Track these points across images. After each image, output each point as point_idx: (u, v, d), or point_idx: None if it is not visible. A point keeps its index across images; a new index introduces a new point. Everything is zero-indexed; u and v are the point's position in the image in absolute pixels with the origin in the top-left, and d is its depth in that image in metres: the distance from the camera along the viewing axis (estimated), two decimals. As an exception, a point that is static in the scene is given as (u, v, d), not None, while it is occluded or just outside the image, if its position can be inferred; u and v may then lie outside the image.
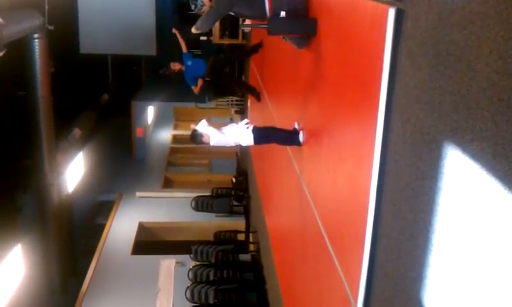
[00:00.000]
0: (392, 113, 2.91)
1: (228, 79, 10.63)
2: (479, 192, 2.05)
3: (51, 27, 9.43)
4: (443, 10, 2.34)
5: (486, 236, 2.00)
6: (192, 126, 5.26)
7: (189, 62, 8.69)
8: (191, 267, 9.40)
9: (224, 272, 9.23)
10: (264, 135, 5.47)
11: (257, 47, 9.45)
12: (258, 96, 9.46)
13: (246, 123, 5.40)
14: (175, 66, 8.75)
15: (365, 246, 3.21)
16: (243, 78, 14.05)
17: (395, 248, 2.85)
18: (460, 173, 2.19)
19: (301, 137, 5.39)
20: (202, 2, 5.97)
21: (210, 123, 5.32)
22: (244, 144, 5.47)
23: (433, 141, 2.41)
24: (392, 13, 2.83)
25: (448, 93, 2.28)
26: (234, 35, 14.15)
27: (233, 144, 5.42)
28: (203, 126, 5.24)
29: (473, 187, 2.09)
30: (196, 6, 5.98)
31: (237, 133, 5.32)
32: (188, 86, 8.97)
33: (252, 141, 5.34)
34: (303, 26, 4.85)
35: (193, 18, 6.66)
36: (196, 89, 8.91)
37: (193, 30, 5.35)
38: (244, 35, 13.53)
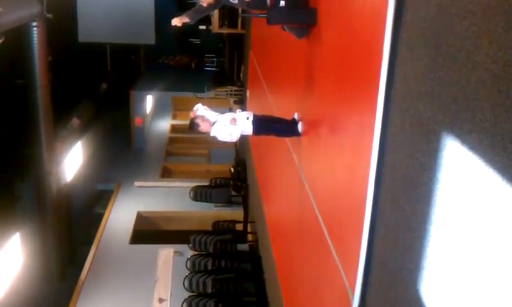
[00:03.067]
0: (391, 104, 2.91)
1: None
2: (477, 183, 2.05)
3: (49, 16, 9.40)
4: (443, 1, 2.33)
5: (484, 228, 2.00)
6: (191, 114, 5.24)
7: None
8: (189, 256, 9.43)
9: (223, 262, 9.25)
10: (263, 127, 5.44)
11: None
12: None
13: (246, 115, 5.37)
14: None
15: (363, 237, 3.22)
16: (242, 68, 14.01)
17: (393, 239, 2.86)
18: (458, 164, 2.19)
19: (300, 127, 5.38)
20: None
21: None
22: (243, 132, 5.45)
23: (432, 132, 2.41)
24: (391, 3, 2.82)
25: (447, 84, 2.27)
26: (233, 24, 14.10)
27: (235, 139, 5.37)
28: (201, 110, 5.23)
29: (472, 178, 2.09)
30: None
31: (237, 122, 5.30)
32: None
33: (251, 132, 5.32)
34: (302, 16, 4.84)
35: (191, 7, 6.65)
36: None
37: (177, 22, 5.15)
38: (244, 24, 13.49)
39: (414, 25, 2.63)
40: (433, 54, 2.41)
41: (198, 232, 9.98)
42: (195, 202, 11.50)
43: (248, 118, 5.29)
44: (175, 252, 10.13)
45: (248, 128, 5.29)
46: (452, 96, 2.22)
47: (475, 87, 2.05)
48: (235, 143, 14.58)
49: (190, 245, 9.76)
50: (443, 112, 2.31)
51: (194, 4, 6.31)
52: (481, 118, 2.00)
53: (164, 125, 17.38)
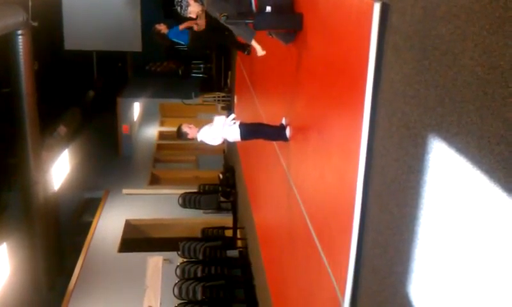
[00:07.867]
0: (378, 107, 2.92)
1: (212, 40, 10.21)
2: (465, 185, 2.06)
3: (35, 24, 9.34)
4: (428, 4, 2.35)
5: (472, 230, 2.01)
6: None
7: (174, 29, 8.70)
8: (179, 263, 9.39)
9: (212, 269, 9.23)
10: (250, 130, 5.45)
11: (244, 48, 9.37)
12: (248, 51, 9.20)
13: (233, 119, 5.38)
14: (161, 26, 8.60)
15: (352, 241, 3.22)
16: (230, 74, 14.02)
17: (382, 242, 2.86)
18: (446, 167, 2.19)
19: (288, 132, 5.39)
20: (187, 2, 5.94)
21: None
22: (230, 139, 5.45)
23: (419, 135, 2.42)
24: (377, 7, 2.83)
25: (433, 86, 2.29)
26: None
27: (220, 142, 5.39)
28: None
29: (459, 180, 2.10)
30: (181, 8, 5.95)
31: (224, 129, 5.31)
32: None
33: (239, 137, 5.32)
34: (288, 21, 4.85)
35: (178, 14, 6.64)
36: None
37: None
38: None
39: (400, 28, 2.64)
40: (419, 57, 2.42)
41: (187, 239, 9.94)
42: (184, 209, 11.46)
43: (234, 123, 5.30)
44: (164, 259, 10.08)
45: (235, 134, 5.29)
46: (439, 99, 2.24)
47: (461, 90, 2.06)
48: (223, 149, 14.57)
49: (179, 252, 9.72)
50: (429, 115, 2.32)
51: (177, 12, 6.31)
52: (467, 121, 2.01)
53: (151, 131, 17.31)
